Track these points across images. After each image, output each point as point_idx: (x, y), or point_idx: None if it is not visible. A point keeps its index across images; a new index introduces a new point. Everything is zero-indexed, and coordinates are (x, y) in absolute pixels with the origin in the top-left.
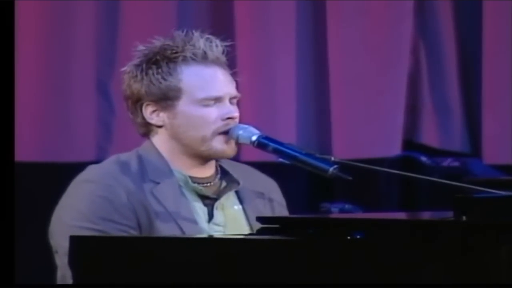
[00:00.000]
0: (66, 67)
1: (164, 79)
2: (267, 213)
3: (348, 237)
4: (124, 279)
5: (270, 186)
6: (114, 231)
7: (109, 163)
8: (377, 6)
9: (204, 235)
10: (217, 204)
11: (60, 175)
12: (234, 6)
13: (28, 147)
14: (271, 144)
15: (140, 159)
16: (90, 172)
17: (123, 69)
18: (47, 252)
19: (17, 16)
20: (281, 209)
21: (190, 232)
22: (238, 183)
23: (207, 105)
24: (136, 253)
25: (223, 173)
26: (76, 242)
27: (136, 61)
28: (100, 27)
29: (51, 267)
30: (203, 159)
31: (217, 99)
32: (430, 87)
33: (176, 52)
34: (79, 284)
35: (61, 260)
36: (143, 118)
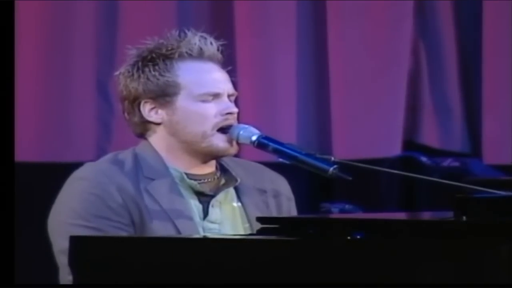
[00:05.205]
0: (66, 67)
1: (162, 75)
2: (271, 210)
3: (348, 237)
4: (124, 279)
5: (278, 182)
6: (107, 228)
7: (104, 160)
8: (377, 6)
9: (204, 236)
10: (213, 201)
11: (60, 175)
12: (234, 6)
13: (28, 147)
14: (271, 144)
15: (135, 157)
16: (84, 169)
17: (116, 73)
18: (47, 252)
19: (17, 16)
20: (289, 204)
21: (184, 228)
22: (236, 180)
23: (205, 101)
24: (137, 253)
25: (223, 171)
26: (76, 242)
27: (130, 61)
28: (100, 27)
29: (51, 267)
30: (203, 156)
31: (216, 95)
32: (430, 87)
33: (172, 49)
34: (79, 284)
35: (57, 257)
36: (141, 116)
